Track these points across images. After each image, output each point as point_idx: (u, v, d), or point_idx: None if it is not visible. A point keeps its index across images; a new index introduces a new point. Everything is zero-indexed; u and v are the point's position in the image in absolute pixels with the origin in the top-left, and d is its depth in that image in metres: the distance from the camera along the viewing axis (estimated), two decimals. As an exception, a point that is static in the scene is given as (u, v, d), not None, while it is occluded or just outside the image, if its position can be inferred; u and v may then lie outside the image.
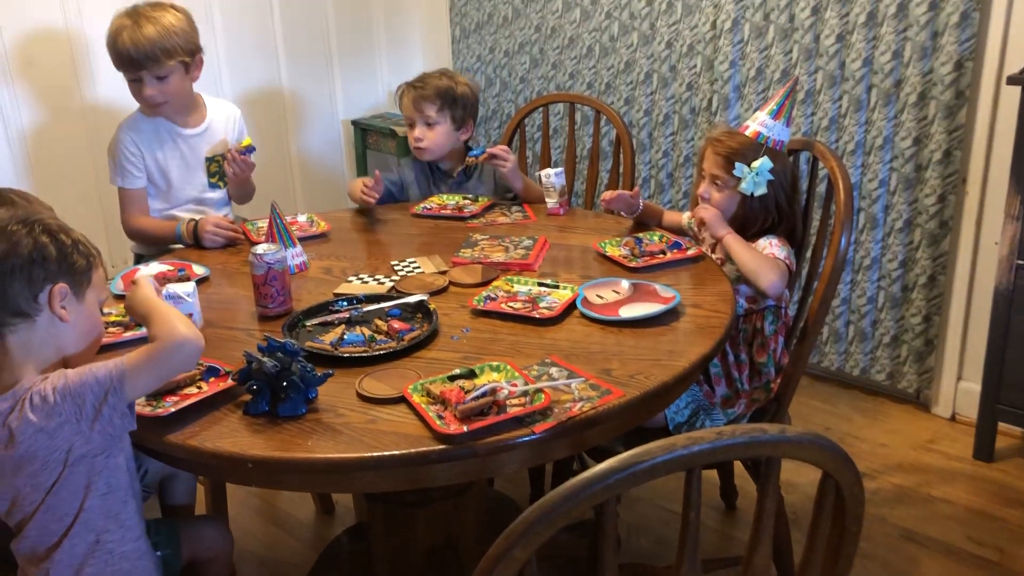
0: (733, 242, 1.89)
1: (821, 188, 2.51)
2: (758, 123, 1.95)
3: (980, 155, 2.45)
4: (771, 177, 1.90)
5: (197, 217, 2.24)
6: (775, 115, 1.94)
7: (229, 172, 2.33)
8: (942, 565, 2.13)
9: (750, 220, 1.96)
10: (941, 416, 2.72)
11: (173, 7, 2.26)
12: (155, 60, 2.19)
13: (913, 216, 2.60)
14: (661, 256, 1.96)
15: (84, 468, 1.32)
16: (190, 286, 1.67)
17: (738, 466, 2.28)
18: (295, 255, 1.96)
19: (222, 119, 2.42)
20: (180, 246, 2.25)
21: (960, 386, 2.67)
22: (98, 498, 1.35)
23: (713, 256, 2.01)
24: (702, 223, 1.95)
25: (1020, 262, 2.28)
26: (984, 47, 2.38)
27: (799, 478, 2.35)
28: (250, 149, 2.29)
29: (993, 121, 2.41)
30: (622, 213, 2.17)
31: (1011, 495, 2.36)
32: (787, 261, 1.89)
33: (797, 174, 2.02)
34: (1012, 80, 2.18)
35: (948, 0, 2.36)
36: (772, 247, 1.90)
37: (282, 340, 1.42)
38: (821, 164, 2.00)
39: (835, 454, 0.95)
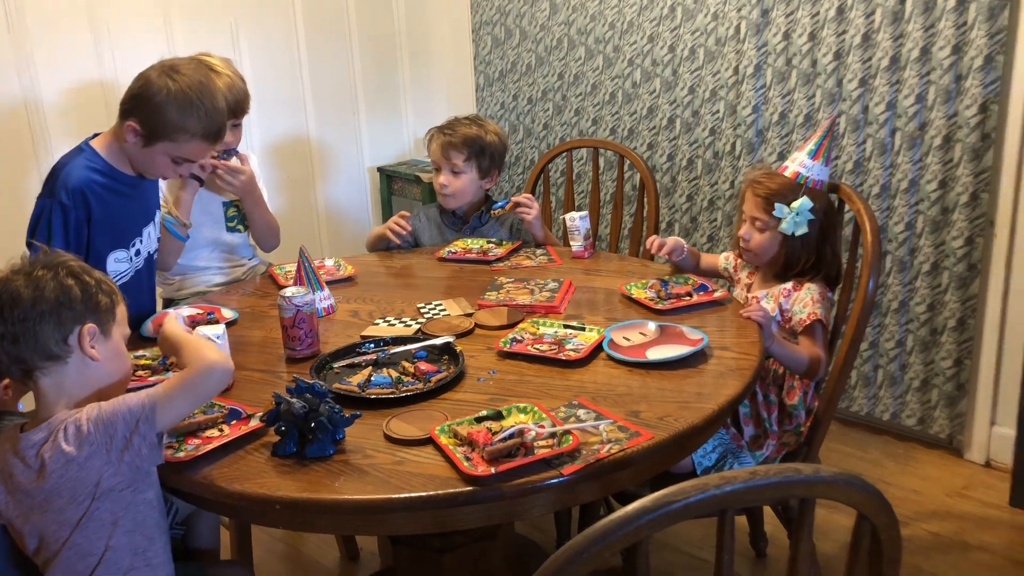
0: (778, 349, 1.81)
1: (847, 231, 2.50)
2: (797, 163, 1.95)
3: (1008, 197, 2.44)
4: (811, 217, 1.90)
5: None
6: (814, 155, 1.94)
7: (225, 183, 2.30)
8: (980, 615, 2.08)
9: (791, 260, 1.95)
10: (975, 462, 2.67)
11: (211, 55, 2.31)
12: (244, 105, 2.29)
13: (940, 259, 2.58)
14: (688, 298, 1.95)
15: (111, 503, 1.33)
16: (219, 328, 1.69)
17: (768, 513, 2.24)
18: (323, 298, 1.98)
19: (236, 164, 2.43)
20: (209, 286, 2.28)
21: (994, 431, 2.62)
22: (124, 535, 1.35)
23: (748, 296, 2.00)
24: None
25: (1052, 304, 2.25)
26: (1009, 89, 2.38)
27: (831, 525, 2.30)
28: (229, 152, 2.26)
29: (1020, 163, 2.40)
30: (670, 259, 2.16)
31: (1050, 543, 2.31)
32: (824, 319, 1.87)
33: (836, 213, 2.02)
34: (1038, 122, 2.18)
35: (971, 44, 2.37)
36: (813, 304, 1.87)
37: (311, 381, 1.42)
38: (847, 207, 2.00)
39: (871, 495, 0.93)
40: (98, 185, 1.91)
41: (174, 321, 1.51)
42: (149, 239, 2.08)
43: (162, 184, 2.25)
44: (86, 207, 1.88)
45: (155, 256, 2.14)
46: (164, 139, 1.88)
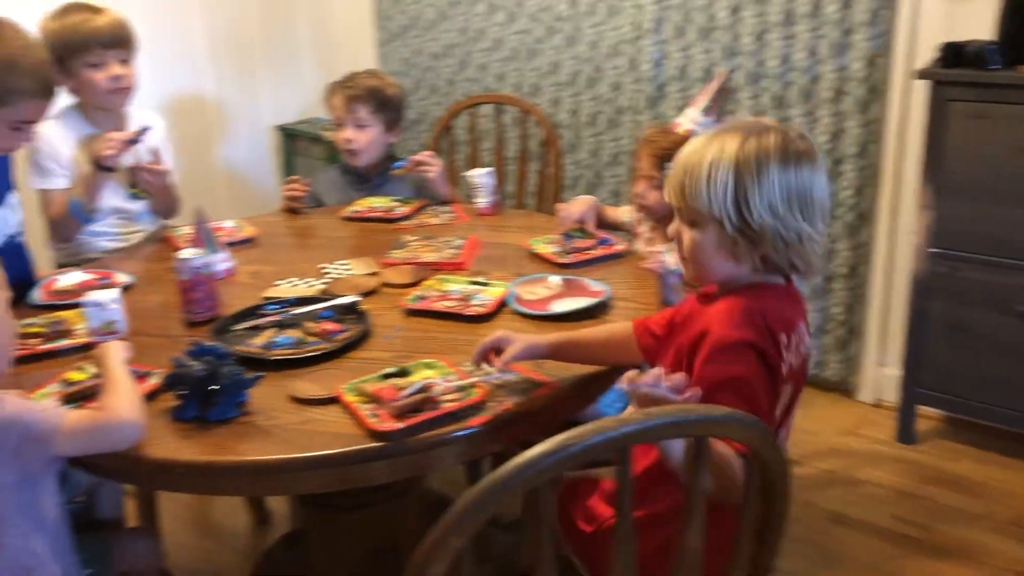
0: (677, 300, 1.78)
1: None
2: (690, 120, 1.98)
3: (893, 148, 2.55)
4: None
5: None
6: (707, 112, 1.97)
7: (149, 184, 2.25)
8: (870, 545, 2.20)
9: None
10: (865, 402, 2.81)
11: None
12: (127, 40, 2.22)
13: (833, 208, 2.68)
14: (590, 252, 1.98)
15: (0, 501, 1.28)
16: (114, 292, 1.63)
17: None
18: (222, 260, 1.93)
19: (160, 166, 2.31)
20: (105, 252, 2.21)
21: (882, 372, 2.76)
22: (19, 537, 1.31)
23: (650, 250, 2.04)
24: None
25: (934, 250, 2.37)
26: (894, 43, 2.47)
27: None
28: (142, 132, 2.18)
29: (904, 114, 2.50)
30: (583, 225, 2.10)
31: (933, 475, 2.45)
32: None
33: None
34: (921, 74, 2.27)
35: (859, -1, 2.45)
36: None
37: (211, 344, 1.40)
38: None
39: (759, 432, 0.98)
40: None
41: (116, 352, 1.43)
42: (4, 223, 1.97)
43: (70, 157, 2.20)
44: None
45: (18, 238, 2.02)
46: None
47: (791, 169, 1.22)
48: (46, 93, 1.84)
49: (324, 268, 1.97)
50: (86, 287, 1.84)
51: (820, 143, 2.63)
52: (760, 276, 1.28)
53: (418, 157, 2.38)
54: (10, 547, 1.30)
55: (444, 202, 2.42)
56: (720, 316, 1.25)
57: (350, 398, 1.38)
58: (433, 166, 2.38)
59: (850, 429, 2.69)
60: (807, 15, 2.54)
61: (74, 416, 1.30)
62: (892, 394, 2.69)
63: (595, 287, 1.77)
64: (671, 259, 1.97)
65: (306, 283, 1.89)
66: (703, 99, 1.99)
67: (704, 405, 1.02)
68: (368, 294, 1.81)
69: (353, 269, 1.95)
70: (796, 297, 1.32)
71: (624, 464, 0.91)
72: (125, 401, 1.31)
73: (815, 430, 2.68)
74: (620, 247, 2.00)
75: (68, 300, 1.80)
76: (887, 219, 2.62)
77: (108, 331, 1.61)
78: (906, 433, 2.58)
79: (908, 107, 2.48)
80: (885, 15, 2.44)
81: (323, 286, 1.86)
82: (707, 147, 1.24)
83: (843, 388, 2.86)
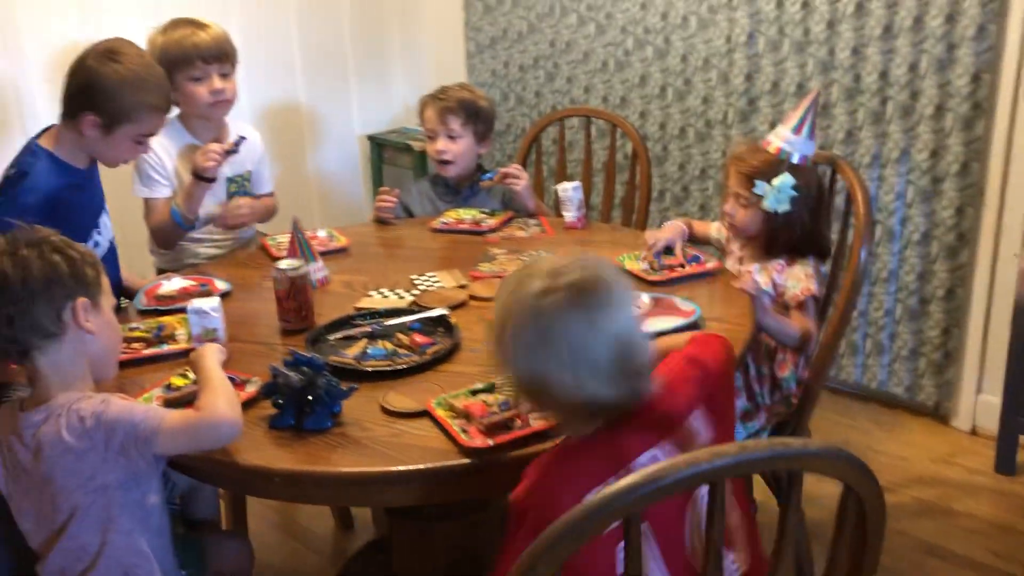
0: (770, 323, 1.80)
1: (839, 200, 2.51)
2: (780, 139, 1.94)
3: (998, 167, 2.45)
4: (794, 193, 1.89)
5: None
6: (796, 129, 1.93)
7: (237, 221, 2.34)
8: (964, 579, 2.13)
9: (775, 237, 1.95)
10: (960, 429, 2.71)
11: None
12: (228, 54, 2.29)
13: (930, 228, 2.60)
14: (680, 270, 1.96)
15: (104, 500, 1.34)
16: (215, 300, 1.69)
17: (757, 478, 2.28)
18: (317, 270, 1.98)
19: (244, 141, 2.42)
20: (204, 258, 2.29)
21: (980, 399, 2.66)
22: (123, 535, 1.36)
23: (741, 268, 2.01)
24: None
25: (1040, 274, 2.28)
26: (1001, 59, 2.38)
27: (819, 491, 2.33)
28: (239, 142, 2.26)
29: (1011, 133, 2.41)
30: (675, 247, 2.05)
31: (1033, 508, 2.35)
32: (817, 294, 1.89)
33: (825, 188, 2.02)
34: (1030, 92, 2.18)
35: (965, 13, 2.37)
36: (807, 279, 1.88)
37: (308, 355, 1.43)
38: (839, 177, 2.01)
39: (856, 467, 0.95)
40: (64, 188, 1.91)
41: (212, 355, 1.48)
42: (107, 228, 2.07)
43: (173, 167, 2.29)
44: (51, 214, 1.80)
45: (114, 243, 2.13)
46: (125, 122, 1.90)
47: (544, 317, 1.12)
48: (167, 107, 1.95)
49: (414, 279, 2.00)
50: (186, 293, 1.91)
51: (919, 161, 2.55)
52: (572, 423, 1.19)
53: (506, 169, 2.40)
54: (114, 544, 1.36)
55: (531, 215, 2.43)
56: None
57: (441, 413, 1.40)
58: (520, 179, 2.39)
59: (945, 457, 2.59)
60: (909, 29, 2.47)
61: (174, 416, 1.35)
62: (990, 422, 2.59)
63: (685, 307, 1.75)
64: (763, 279, 1.94)
65: (396, 294, 1.92)
66: (794, 117, 1.95)
67: (799, 439, 1.00)
68: (456, 307, 1.83)
69: (441, 281, 1.98)
70: (616, 442, 1.15)
71: (719, 497, 0.90)
72: (222, 400, 1.35)
73: (907, 456, 2.60)
74: (711, 265, 1.97)
75: (169, 306, 1.88)
76: (989, 240, 2.52)
77: (209, 338, 1.67)
78: (1006, 463, 2.48)
79: (1015, 125, 2.39)
80: (992, 30, 2.35)
81: (413, 298, 1.89)
82: (512, 276, 1.22)
83: (937, 414, 2.76)
